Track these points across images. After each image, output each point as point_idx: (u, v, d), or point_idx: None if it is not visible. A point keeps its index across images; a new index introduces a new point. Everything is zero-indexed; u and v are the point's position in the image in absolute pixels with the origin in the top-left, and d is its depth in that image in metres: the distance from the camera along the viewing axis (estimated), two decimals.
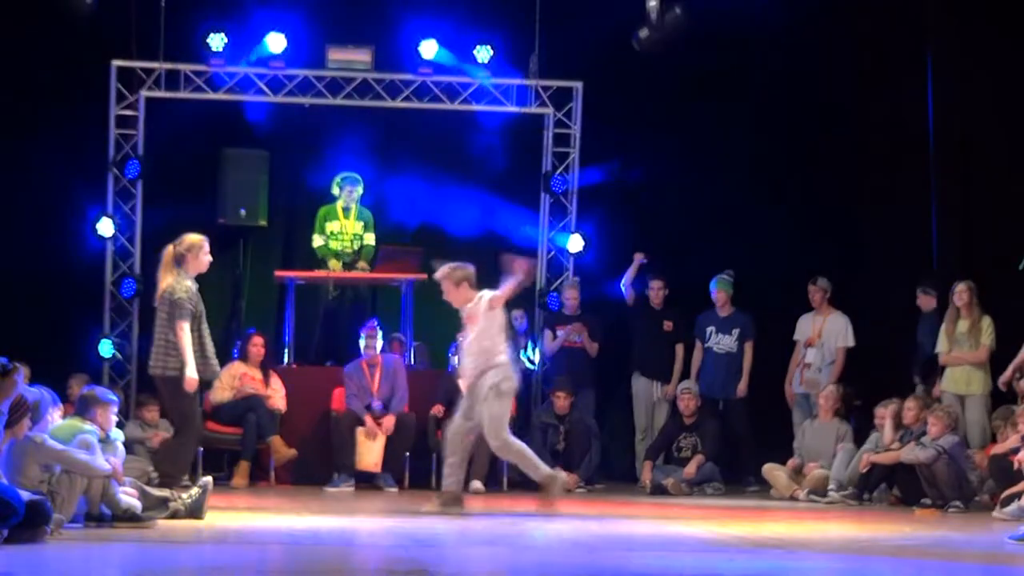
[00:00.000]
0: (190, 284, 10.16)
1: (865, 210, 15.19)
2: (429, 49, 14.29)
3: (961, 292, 12.75)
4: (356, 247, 13.91)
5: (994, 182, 14.23)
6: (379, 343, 13.20)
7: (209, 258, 10.34)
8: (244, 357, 13.27)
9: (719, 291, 14.10)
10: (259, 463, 13.04)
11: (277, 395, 13.17)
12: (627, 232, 14.82)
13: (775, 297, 14.36)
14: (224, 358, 13.28)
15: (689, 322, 14.29)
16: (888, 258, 14.83)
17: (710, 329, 14.14)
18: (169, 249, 10.28)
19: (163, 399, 11.00)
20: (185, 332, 10.01)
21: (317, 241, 13.92)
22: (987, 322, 12.68)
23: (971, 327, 12.69)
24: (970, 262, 13.95)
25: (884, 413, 12.46)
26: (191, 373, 10.10)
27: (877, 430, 12.54)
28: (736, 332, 14.03)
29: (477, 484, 12.79)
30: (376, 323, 13.40)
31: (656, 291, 14.28)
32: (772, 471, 13.06)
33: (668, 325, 14.26)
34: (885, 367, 13.92)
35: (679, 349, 14.29)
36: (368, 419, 12.88)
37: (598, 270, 14.81)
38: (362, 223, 13.94)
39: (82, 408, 9.33)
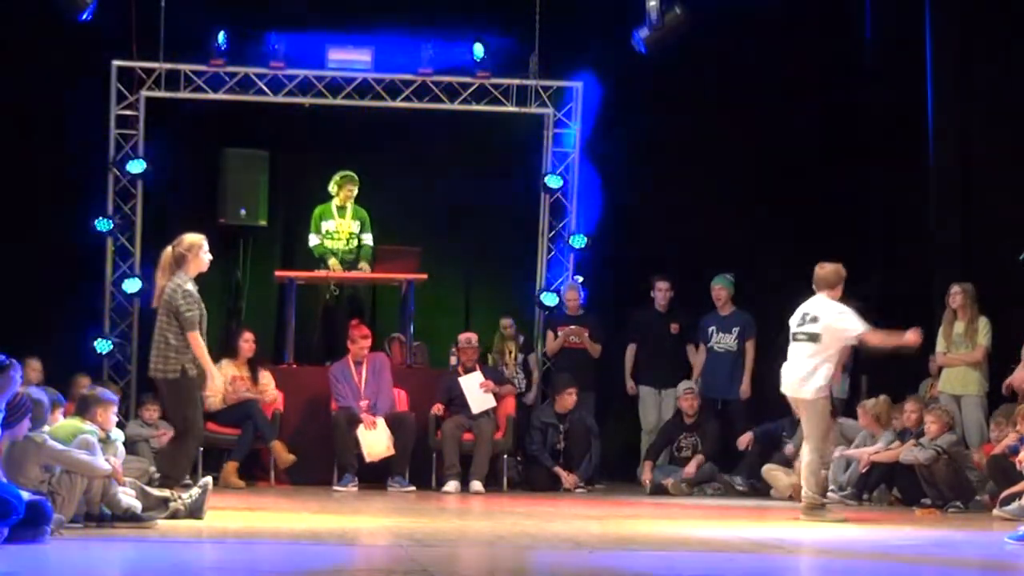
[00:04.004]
0: (191, 287, 9.93)
1: (865, 210, 15.19)
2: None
3: (955, 294, 12.76)
4: (352, 246, 13.88)
5: (993, 182, 14.23)
6: (367, 342, 13.16)
7: (209, 257, 10.15)
8: (234, 353, 13.17)
9: (720, 288, 14.04)
10: (260, 463, 13.03)
11: (268, 388, 13.05)
12: (627, 231, 14.82)
13: (775, 297, 14.33)
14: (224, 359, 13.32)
15: (695, 324, 14.23)
16: (887, 258, 14.84)
17: (711, 329, 14.09)
18: (168, 251, 10.07)
19: (163, 402, 10.93)
20: (199, 342, 9.85)
21: (313, 240, 13.88)
22: (983, 322, 12.68)
23: (967, 328, 12.70)
24: (969, 262, 13.95)
25: (863, 412, 12.53)
26: (218, 384, 10.05)
27: (864, 429, 12.59)
28: (736, 331, 13.99)
29: (477, 484, 12.80)
30: (358, 322, 13.39)
31: (663, 292, 14.18)
32: (771, 471, 13.05)
33: (675, 327, 14.19)
34: (884, 364, 13.94)
35: (691, 349, 14.23)
36: (363, 414, 12.82)
37: (599, 269, 14.80)
38: (358, 222, 13.90)
39: (82, 408, 9.34)
